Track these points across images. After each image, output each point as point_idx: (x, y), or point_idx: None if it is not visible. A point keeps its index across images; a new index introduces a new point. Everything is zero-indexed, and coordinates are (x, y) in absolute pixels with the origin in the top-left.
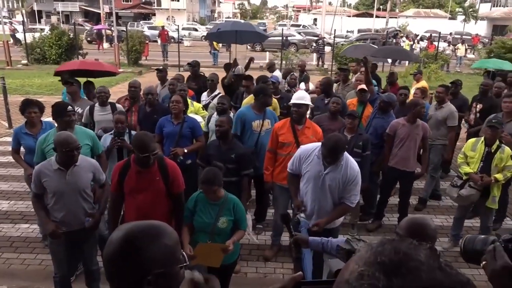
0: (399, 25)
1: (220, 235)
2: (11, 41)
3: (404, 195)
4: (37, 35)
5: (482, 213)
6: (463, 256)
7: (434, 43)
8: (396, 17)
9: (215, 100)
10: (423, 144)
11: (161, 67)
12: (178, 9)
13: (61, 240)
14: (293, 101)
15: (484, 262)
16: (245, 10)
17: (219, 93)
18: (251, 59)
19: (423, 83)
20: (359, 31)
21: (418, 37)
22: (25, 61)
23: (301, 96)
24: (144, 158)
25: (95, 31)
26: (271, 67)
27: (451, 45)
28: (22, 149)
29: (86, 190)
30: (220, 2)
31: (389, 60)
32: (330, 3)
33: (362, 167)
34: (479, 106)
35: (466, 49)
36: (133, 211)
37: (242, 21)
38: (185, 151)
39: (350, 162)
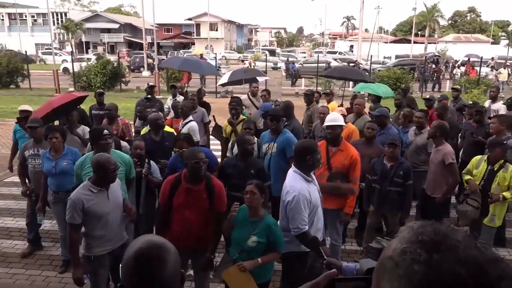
0: (438, 50)
1: (247, 253)
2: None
3: (431, 218)
4: (84, 64)
5: (481, 231)
6: None
7: (475, 68)
8: (435, 43)
9: (185, 129)
10: (448, 170)
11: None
12: (217, 38)
13: (105, 261)
14: (325, 123)
15: None
16: (282, 38)
17: (190, 120)
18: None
19: (332, 104)
20: (396, 57)
21: (459, 62)
22: (72, 89)
23: (333, 118)
24: (195, 164)
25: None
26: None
27: (494, 70)
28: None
29: (122, 205)
30: (257, 31)
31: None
32: (366, 30)
33: (404, 198)
34: None
35: (509, 74)
36: (179, 225)
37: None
38: None
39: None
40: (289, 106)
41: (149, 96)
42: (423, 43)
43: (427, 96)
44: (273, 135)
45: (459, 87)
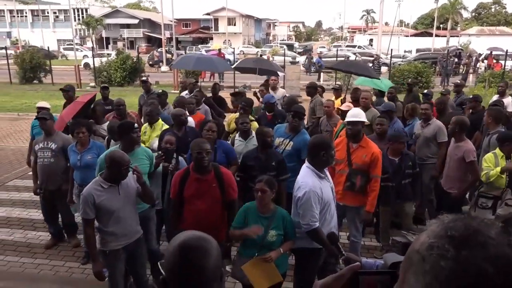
0: (461, 44)
1: (268, 248)
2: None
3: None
4: (104, 59)
5: None
6: None
7: (500, 61)
8: (457, 36)
9: None
10: (468, 168)
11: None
12: (235, 33)
13: (120, 255)
14: (347, 119)
15: None
16: (300, 33)
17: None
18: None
19: (338, 102)
20: (417, 50)
21: (482, 56)
22: (93, 84)
23: (355, 114)
24: (198, 155)
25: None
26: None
27: None
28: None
29: (134, 199)
30: (275, 25)
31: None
32: (386, 23)
33: (415, 185)
34: None
35: None
36: (192, 216)
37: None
38: None
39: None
40: (293, 102)
41: (161, 90)
42: (445, 36)
43: (425, 91)
44: (291, 132)
45: (459, 81)
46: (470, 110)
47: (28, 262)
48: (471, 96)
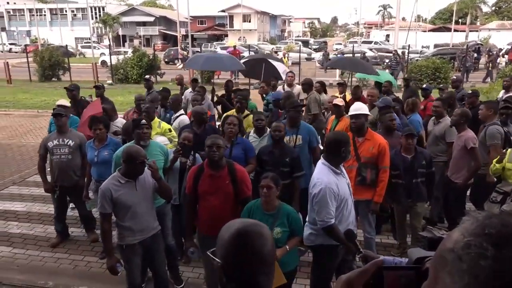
0: (480, 39)
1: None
2: None
3: (451, 204)
4: (121, 57)
5: None
6: None
7: None
8: (477, 31)
9: (176, 122)
10: (470, 155)
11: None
12: (250, 30)
13: (137, 250)
14: (350, 112)
15: None
16: (315, 29)
17: (181, 114)
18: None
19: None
20: (435, 46)
21: (503, 51)
22: (110, 81)
23: (357, 108)
24: (208, 149)
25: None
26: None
27: None
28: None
29: (152, 195)
30: (290, 21)
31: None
32: (403, 19)
33: (429, 186)
34: None
35: None
36: (206, 212)
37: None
38: None
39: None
40: (290, 97)
41: (162, 87)
42: (464, 31)
43: (423, 86)
44: (293, 128)
45: (455, 77)
46: (469, 106)
47: (48, 256)
48: (469, 92)
